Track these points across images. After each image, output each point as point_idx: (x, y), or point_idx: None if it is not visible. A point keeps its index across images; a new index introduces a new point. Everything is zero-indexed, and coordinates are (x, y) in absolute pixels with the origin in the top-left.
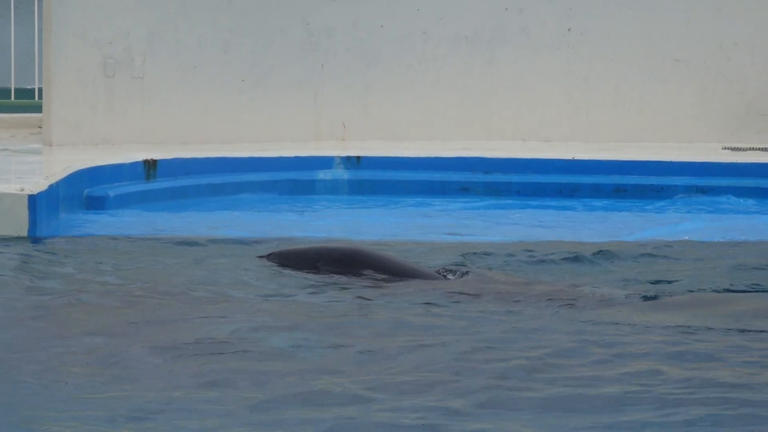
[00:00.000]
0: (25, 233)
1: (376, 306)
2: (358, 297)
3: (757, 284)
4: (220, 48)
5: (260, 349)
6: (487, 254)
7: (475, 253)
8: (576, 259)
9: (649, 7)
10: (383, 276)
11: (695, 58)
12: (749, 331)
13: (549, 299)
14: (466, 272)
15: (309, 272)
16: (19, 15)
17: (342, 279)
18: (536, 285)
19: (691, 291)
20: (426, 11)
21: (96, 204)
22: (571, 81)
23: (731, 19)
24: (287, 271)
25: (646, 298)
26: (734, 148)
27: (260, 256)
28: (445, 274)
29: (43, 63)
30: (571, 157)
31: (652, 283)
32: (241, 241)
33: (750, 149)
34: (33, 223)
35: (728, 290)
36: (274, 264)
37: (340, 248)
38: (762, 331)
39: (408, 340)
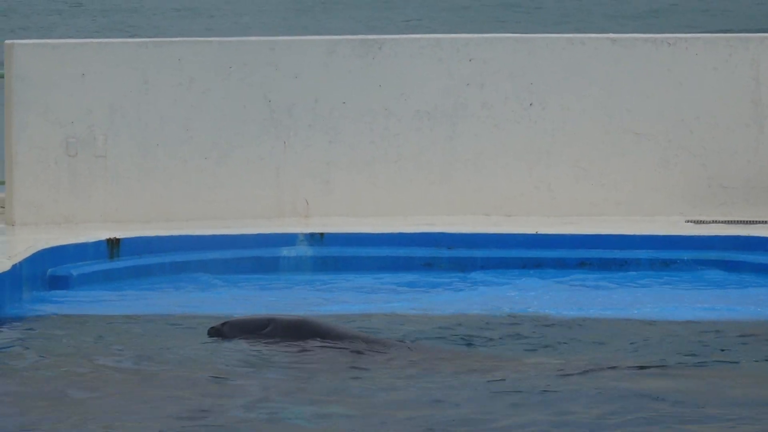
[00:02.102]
0: None
1: (319, 372)
2: (307, 364)
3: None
4: (181, 126)
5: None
6: (446, 327)
7: (438, 327)
8: (523, 332)
9: (610, 81)
10: (331, 343)
11: (656, 131)
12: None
13: (473, 370)
14: (410, 343)
15: (262, 340)
16: None
17: (291, 347)
18: (467, 357)
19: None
20: (387, 88)
21: (59, 283)
22: (532, 155)
23: (692, 93)
24: (237, 341)
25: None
26: (697, 221)
27: (213, 327)
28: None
29: (5, 142)
30: (534, 232)
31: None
32: (201, 317)
33: (713, 222)
34: None
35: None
36: (229, 332)
37: (292, 317)
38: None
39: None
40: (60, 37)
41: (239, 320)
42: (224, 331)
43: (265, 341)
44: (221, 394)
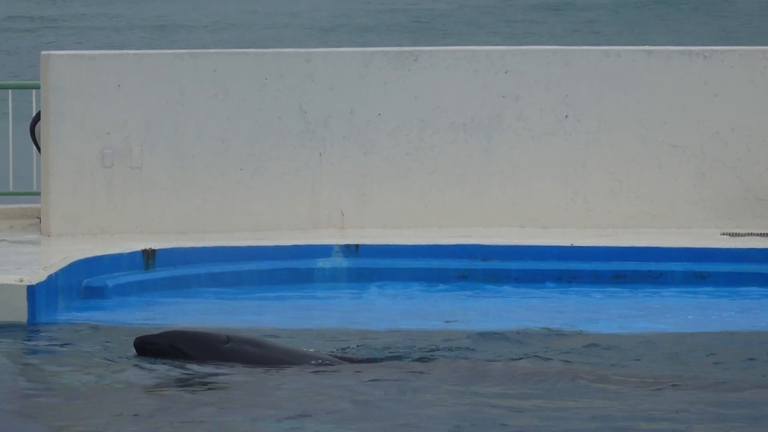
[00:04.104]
0: (24, 323)
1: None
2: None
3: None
4: (217, 137)
5: None
6: (479, 340)
7: (463, 339)
8: (557, 345)
9: (646, 94)
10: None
11: (692, 143)
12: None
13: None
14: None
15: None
16: (18, 108)
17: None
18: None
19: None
20: (423, 99)
21: (95, 294)
22: (568, 167)
23: (727, 105)
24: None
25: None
26: (732, 233)
27: (143, 339)
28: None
29: (41, 153)
30: (569, 244)
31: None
32: (236, 329)
33: (748, 234)
34: (32, 313)
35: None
36: (174, 345)
37: (248, 335)
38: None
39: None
40: (96, 48)
41: (183, 333)
42: (159, 343)
43: (221, 358)
44: (246, 406)
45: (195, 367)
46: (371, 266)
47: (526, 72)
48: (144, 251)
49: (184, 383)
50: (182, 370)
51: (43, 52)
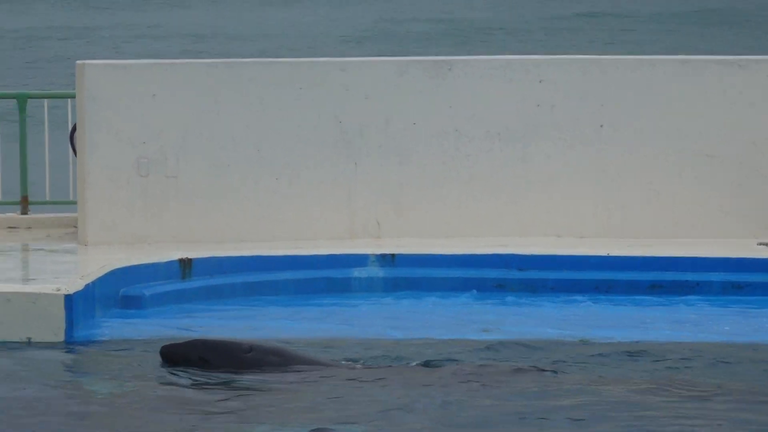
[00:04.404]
0: (61, 332)
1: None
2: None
3: None
4: (253, 146)
5: None
6: (515, 350)
7: (500, 349)
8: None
9: (683, 104)
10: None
11: (729, 153)
12: None
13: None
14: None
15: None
16: (53, 118)
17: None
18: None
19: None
20: (458, 108)
21: (132, 303)
22: (604, 177)
23: (764, 115)
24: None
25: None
26: None
27: (169, 346)
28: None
29: (78, 162)
30: (606, 254)
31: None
32: (272, 340)
33: None
34: (69, 322)
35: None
36: (195, 354)
37: (271, 343)
38: None
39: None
40: (132, 58)
41: (206, 342)
42: (185, 351)
43: (244, 367)
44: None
45: (218, 376)
46: (407, 276)
47: (562, 81)
48: (181, 260)
49: (206, 392)
50: (205, 379)
51: (78, 62)
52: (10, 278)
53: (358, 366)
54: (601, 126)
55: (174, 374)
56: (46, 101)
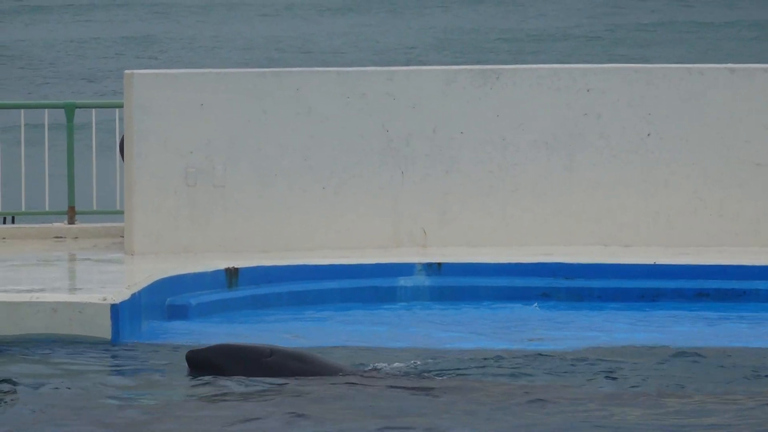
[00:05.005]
0: (108, 341)
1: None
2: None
3: None
4: (300, 155)
5: None
6: (561, 360)
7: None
8: (642, 363)
9: (728, 112)
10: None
11: None
12: None
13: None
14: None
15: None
16: (101, 127)
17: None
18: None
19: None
20: (505, 117)
21: (178, 313)
22: (650, 185)
23: None
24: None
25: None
26: None
27: (193, 351)
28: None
29: (125, 172)
30: (652, 262)
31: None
32: (318, 349)
33: None
34: (115, 331)
35: None
36: (217, 359)
37: (291, 349)
38: None
39: None
40: (179, 67)
41: (229, 347)
42: (209, 356)
43: (265, 371)
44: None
45: (240, 381)
46: (454, 284)
47: (608, 90)
48: (227, 270)
49: (228, 398)
50: (225, 385)
51: (126, 71)
52: (57, 288)
53: (384, 373)
54: (648, 134)
55: (194, 381)
56: (93, 111)
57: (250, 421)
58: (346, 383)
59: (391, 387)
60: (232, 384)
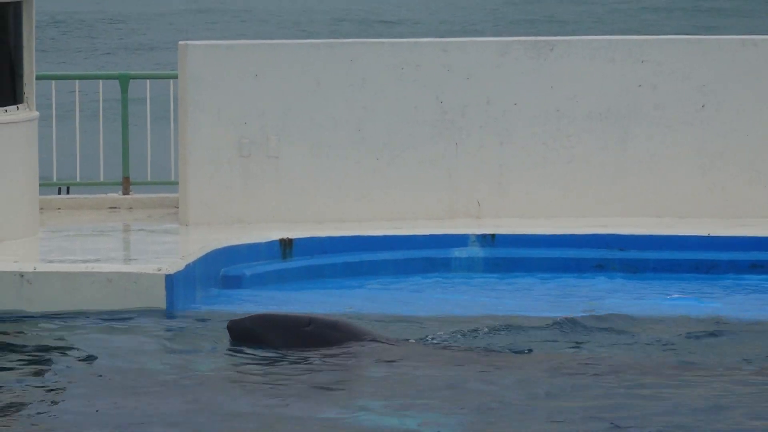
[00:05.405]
0: (162, 311)
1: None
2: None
3: None
4: (353, 127)
5: None
6: (615, 330)
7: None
8: (697, 334)
9: None
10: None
11: None
12: None
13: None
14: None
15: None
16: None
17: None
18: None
19: None
20: (559, 89)
21: (232, 283)
22: (705, 157)
23: None
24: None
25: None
26: None
27: (234, 321)
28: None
29: (179, 143)
30: (707, 234)
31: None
32: (371, 318)
33: None
34: (170, 302)
35: None
36: (257, 329)
37: (329, 317)
38: None
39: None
40: (233, 38)
41: (269, 316)
42: (249, 326)
43: (304, 340)
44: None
45: (279, 351)
46: (507, 256)
47: (664, 61)
48: (281, 240)
49: (267, 367)
50: (264, 354)
51: (180, 42)
52: (112, 258)
53: (427, 343)
54: (703, 106)
55: (234, 351)
56: (148, 82)
57: (283, 388)
58: (383, 352)
59: (433, 357)
60: (271, 354)
